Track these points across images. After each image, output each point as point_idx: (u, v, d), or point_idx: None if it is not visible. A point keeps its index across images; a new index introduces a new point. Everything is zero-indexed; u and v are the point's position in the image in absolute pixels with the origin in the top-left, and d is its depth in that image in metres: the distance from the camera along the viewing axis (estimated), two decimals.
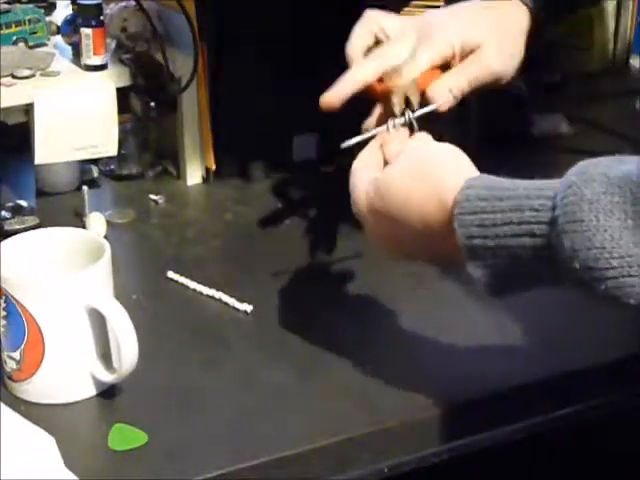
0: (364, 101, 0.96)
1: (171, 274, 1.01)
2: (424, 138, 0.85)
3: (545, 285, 0.72)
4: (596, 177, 0.68)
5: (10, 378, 0.85)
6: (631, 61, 1.54)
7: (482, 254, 0.72)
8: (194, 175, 1.21)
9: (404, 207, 0.77)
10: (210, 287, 0.98)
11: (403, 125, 0.88)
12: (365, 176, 0.82)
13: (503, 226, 0.70)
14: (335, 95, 0.90)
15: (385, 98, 0.91)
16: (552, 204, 0.68)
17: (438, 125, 1.13)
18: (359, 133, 0.95)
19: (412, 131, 0.88)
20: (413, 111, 0.89)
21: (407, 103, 0.89)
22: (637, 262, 0.64)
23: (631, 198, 0.65)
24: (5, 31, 1.13)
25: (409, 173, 0.78)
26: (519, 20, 0.94)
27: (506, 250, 0.70)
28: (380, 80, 0.91)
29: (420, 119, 0.89)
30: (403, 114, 0.89)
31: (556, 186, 0.69)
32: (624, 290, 0.65)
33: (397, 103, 0.89)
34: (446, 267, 0.85)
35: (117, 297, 0.84)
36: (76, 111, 1.13)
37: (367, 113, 0.94)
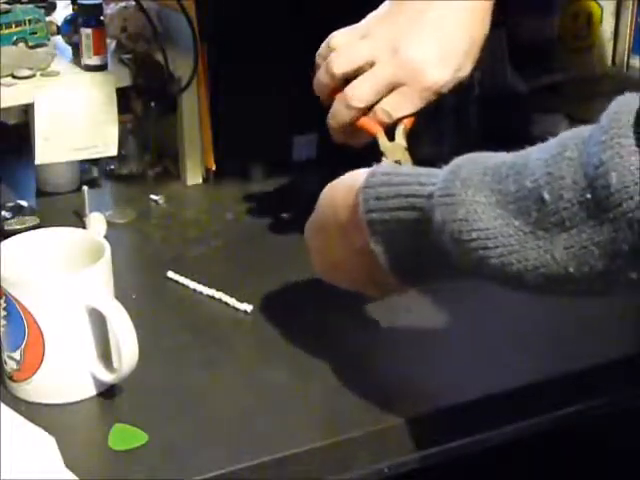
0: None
1: (171, 274, 1.01)
2: None
3: (439, 271, 0.76)
4: (476, 159, 0.71)
5: (10, 378, 0.85)
6: (631, 61, 1.54)
7: (379, 228, 0.76)
8: (194, 175, 1.21)
9: (324, 214, 0.85)
10: (210, 287, 0.98)
11: None
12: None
13: (394, 198, 0.75)
14: (337, 136, 0.96)
15: (367, 129, 0.94)
16: (434, 180, 0.73)
17: (438, 125, 1.14)
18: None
19: None
20: None
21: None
22: (493, 234, 0.67)
23: (499, 179, 0.68)
24: (5, 31, 1.13)
25: (330, 186, 0.85)
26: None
27: (397, 224, 0.75)
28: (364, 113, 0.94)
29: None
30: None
31: (443, 167, 0.73)
32: (481, 261, 0.68)
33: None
34: (374, 287, 0.86)
35: (117, 297, 0.84)
36: (76, 111, 1.13)
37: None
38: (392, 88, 0.92)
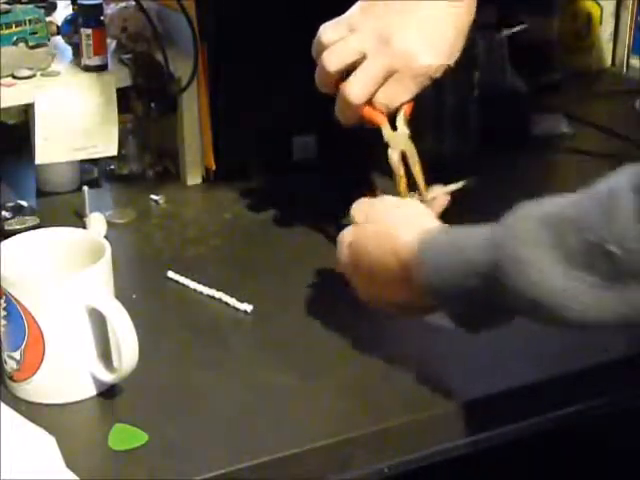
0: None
1: (171, 274, 1.02)
2: (386, 202, 0.91)
3: (506, 315, 0.79)
4: (526, 216, 0.74)
5: (10, 378, 0.85)
6: (631, 61, 1.54)
7: (442, 296, 0.80)
8: (194, 175, 1.21)
9: (371, 262, 0.86)
10: (210, 287, 0.98)
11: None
12: (344, 241, 0.90)
13: (455, 271, 0.78)
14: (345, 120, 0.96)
15: (371, 120, 0.95)
16: (492, 243, 0.75)
17: (439, 125, 1.14)
18: (358, 133, 0.95)
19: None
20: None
21: (403, 157, 0.95)
22: (573, 295, 0.70)
23: (558, 235, 0.71)
24: (5, 31, 1.13)
25: (370, 234, 0.87)
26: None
27: (459, 288, 0.78)
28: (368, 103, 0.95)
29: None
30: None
31: (494, 227, 0.76)
32: (563, 318, 0.72)
33: (396, 160, 0.95)
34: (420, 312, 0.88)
35: (117, 297, 0.84)
36: (76, 111, 1.13)
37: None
38: (387, 77, 0.93)
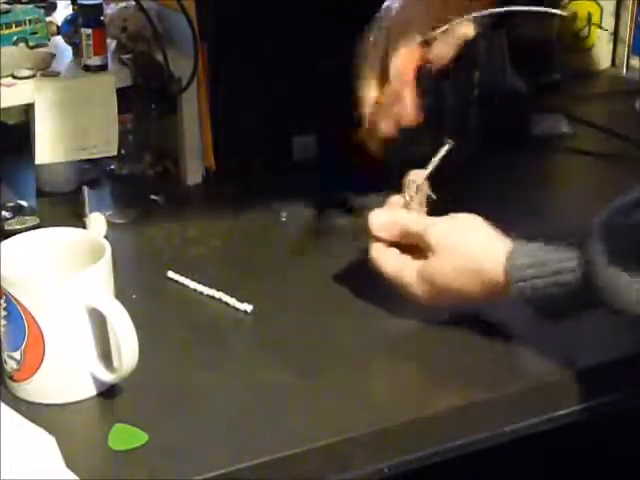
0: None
1: (171, 274, 1.01)
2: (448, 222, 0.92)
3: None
4: (614, 228, 0.80)
5: (10, 378, 0.85)
6: (631, 61, 1.54)
7: (539, 310, 0.85)
8: (194, 175, 1.21)
9: (454, 288, 0.88)
10: (210, 287, 0.98)
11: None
12: (396, 262, 0.92)
13: (552, 287, 0.83)
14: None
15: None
16: (582, 263, 0.80)
17: (438, 127, 1.14)
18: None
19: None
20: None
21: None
22: None
23: (628, 248, 0.78)
24: (5, 31, 1.13)
25: (452, 266, 0.88)
26: None
27: (559, 307, 0.84)
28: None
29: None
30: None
31: (577, 242, 0.81)
32: None
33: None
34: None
35: (117, 297, 0.84)
36: (76, 111, 1.13)
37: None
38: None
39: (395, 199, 0.95)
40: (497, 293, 0.86)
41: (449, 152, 0.95)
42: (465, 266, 0.87)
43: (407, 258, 0.92)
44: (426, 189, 0.95)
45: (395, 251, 0.93)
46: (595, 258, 0.79)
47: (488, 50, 1.27)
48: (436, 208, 0.94)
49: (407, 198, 0.94)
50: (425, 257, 0.90)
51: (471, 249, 0.88)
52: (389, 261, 0.92)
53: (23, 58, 1.12)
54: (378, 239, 0.93)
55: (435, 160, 0.95)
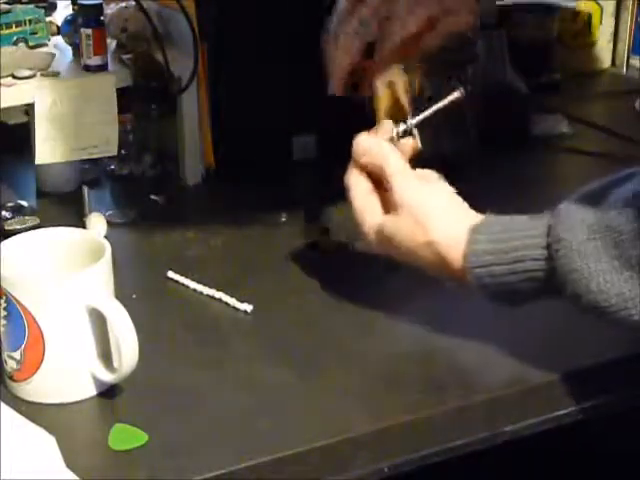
0: (363, 102, 0.97)
1: (171, 274, 1.02)
2: (422, 186, 0.90)
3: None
4: (576, 224, 0.77)
5: (10, 378, 0.85)
6: (631, 61, 1.54)
7: (494, 291, 0.83)
8: (194, 175, 1.21)
9: (411, 255, 0.87)
10: (210, 287, 0.98)
11: (404, 134, 0.92)
12: (364, 199, 0.91)
13: (510, 275, 0.81)
14: (338, 87, 0.97)
15: (370, 73, 0.95)
16: (547, 253, 0.79)
17: (439, 127, 1.14)
18: (357, 133, 0.95)
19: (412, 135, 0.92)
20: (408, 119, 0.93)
21: (390, 85, 0.94)
22: (630, 297, 0.75)
23: (611, 242, 0.75)
24: (5, 31, 1.13)
25: (411, 228, 0.87)
26: None
27: (514, 292, 0.82)
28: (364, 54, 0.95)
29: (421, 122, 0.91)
30: (404, 122, 0.92)
31: (546, 230, 0.79)
32: (624, 320, 0.77)
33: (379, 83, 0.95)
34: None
35: (117, 297, 0.84)
36: (76, 111, 1.13)
37: (364, 114, 0.96)
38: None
39: (387, 126, 0.93)
40: (453, 273, 0.84)
41: (456, 102, 0.93)
42: (424, 237, 0.86)
43: (375, 202, 0.90)
44: (416, 135, 0.92)
45: (368, 187, 0.91)
46: (562, 242, 0.77)
47: (488, 50, 1.27)
48: None
49: (394, 134, 0.92)
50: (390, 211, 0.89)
51: (436, 220, 0.86)
52: (359, 195, 0.91)
53: (23, 58, 1.12)
54: (359, 164, 0.91)
55: (437, 106, 0.93)
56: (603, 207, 0.77)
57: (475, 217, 0.86)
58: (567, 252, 0.77)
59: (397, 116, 0.94)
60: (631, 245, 0.74)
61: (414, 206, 0.87)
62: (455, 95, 0.93)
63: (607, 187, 0.78)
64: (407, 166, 0.90)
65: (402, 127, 0.92)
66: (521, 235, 0.81)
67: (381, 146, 0.90)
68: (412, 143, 0.92)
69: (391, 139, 0.92)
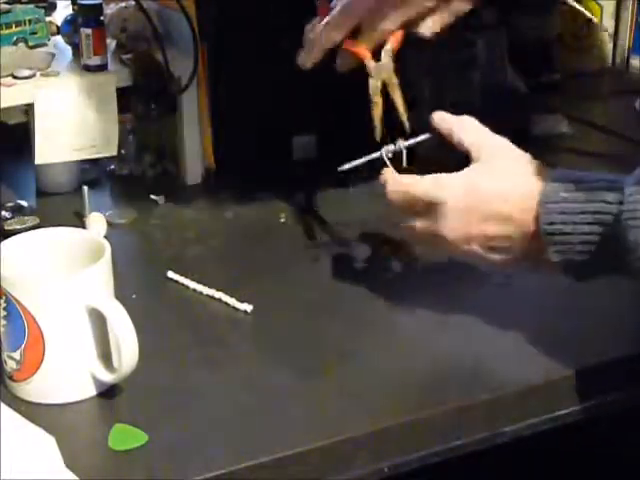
0: (362, 102, 0.97)
1: (171, 274, 1.02)
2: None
3: (615, 272, 0.80)
4: None
5: (10, 378, 0.85)
6: (631, 61, 1.54)
7: (560, 239, 0.81)
8: (194, 175, 1.21)
9: (493, 198, 0.85)
10: (210, 287, 0.98)
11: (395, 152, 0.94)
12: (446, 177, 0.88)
13: (580, 214, 0.79)
14: (309, 59, 0.97)
15: (354, 52, 0.96)
16: (620, 198, 0.77)
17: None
18: (357, 133, 0.95)
19: (401, 159, 0.94)
20: (405, 139, 0.94)
21: (384, 86, 0.95)
22: None
23: None
24: (5, 31, 1.13)
25: (497, 170, 0.86)
26: None
27: (580, 236, 0.80)
28: (351, 37, 0.95)
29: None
30: (394, 142, 0.94)
31: (627, 180, 0.78)
32: None
33: (374, 88, 0.95)
34: (523, 263, 0.87)
35: (117, 297, 0.84)
36: (76, 111, 1.13)
37: (364, 114, 0.96)
38: (379, 2, 0.94)
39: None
40: (528, 225, 0.82)
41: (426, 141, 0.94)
42: (512, 185, 0.84)
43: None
44: (404, 158, 0.94)
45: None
46: (638, 189, 0.77)
47: (488, 50, 1.27)
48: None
49: (384, 154, 0.94)
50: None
51: (511, 168, 0.86)
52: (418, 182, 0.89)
53: (23, 58, 1.12)
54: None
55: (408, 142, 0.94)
56: None
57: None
58: (638, 199, 0.76)
59: (392, 120, 0.95)
60: None
61: (497, 151, 0.88)
62: (425, 136, 0.94)
63: None
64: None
65: (392, 147, 0.94)
66: (601, 177, 0.81)
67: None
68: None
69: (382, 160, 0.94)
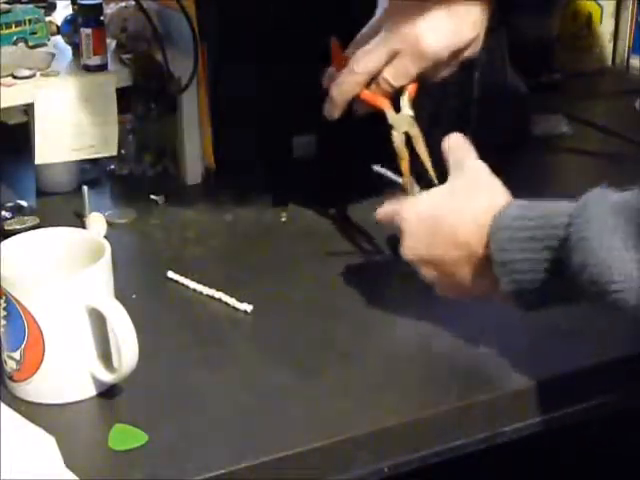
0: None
1: (171, 274, 1.02)
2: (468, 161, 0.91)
3: (565, 302, 0.81)
4: (603, 201, 0.76)
5: (10, 378, 0.85)
6: (631, 61, 1.54)
7: (511, 268, 0.80)
8: (194, 175, 1.21)
9: (447, 224, 0.85)
10: (210, 287, 0.98)
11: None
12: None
13: (530, 241, 0.79)
14: (334, 112, 0.99)
15: (373, 103, 0.98)
16: (568, 222, 0.77)
17: (438, 125, 1.14)
18: (357, 133, 0.95)
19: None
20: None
21: (407, 139, 0.97)
22: (632, 278, 0.73)
23: (631, 221, 0.73)
24: (5, 31, 1.13)
25: (457, 194, 0.87)
26: None
27: (530, 263, 0.80)
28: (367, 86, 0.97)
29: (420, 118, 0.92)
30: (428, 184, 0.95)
31: (574, 204, 0.78)
32: (621, 302, 0.74)
33: (399, 142, 0.97)
34: (475, 292, 0.87)
35: (117, 297, 0.84)
36: (76, 111, 1.13)
37: (364, 114, 0.96)
38: (392, 57, 0.95)
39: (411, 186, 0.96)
40: (479, 239, 0.83)
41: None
42: (462, 214, 0.85)
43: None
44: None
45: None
46: (585, 211, 0.76)
47: (488, 50, 1.27)
48: None
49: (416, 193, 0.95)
50: None
51: (474, 210, 0.85)
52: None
53: (23, 58, 1.12)
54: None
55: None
56: (634, 192, 0.76)
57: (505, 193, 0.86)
58: (584, 220, 0.75)
59: (417, 169, 0.97)
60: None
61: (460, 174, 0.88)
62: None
63: None
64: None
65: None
66: (551, 206, 0.81)
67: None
68: None
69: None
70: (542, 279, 0.80)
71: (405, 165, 0.96)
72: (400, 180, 0.96)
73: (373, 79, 0.97)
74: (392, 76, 0.96)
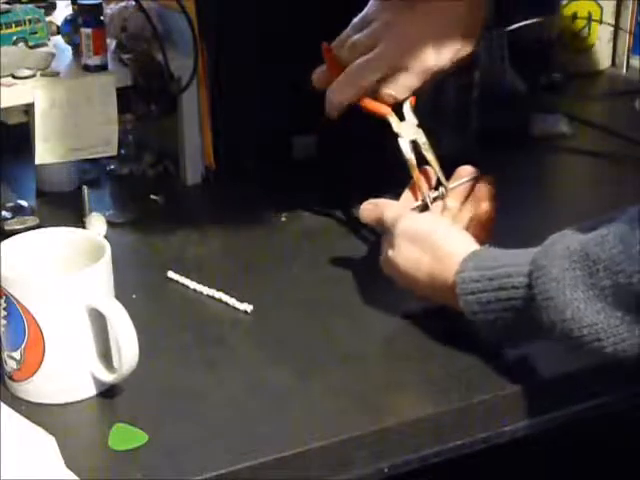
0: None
1: (171, 274, 1.02)
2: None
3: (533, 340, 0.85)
4: (559, 253, 0.78)
5: (10, 378, 0.85)
6: (631, 61, 1.54)
7: (484, 324, 0.85)
8: (194, 175, 1.21)
9: (414, 270, 0.90)
10: (210, 287, 0.98)
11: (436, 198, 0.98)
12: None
13: (497, 302, 0.83)
14: (333, 113, 1.00)
15: (376, 112, 0.98)
16: (528, 281, 0.80)
17: (439, 126, 1.14)
18: (357, 134, 0.95)
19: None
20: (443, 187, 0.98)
21: (414, 146, 0.98)
22: (602, 328, 0.75)
23: (588, 272, 0.75)
24: (5, 31, 1.13)
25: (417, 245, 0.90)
26: None
27: (499, 320, 0.83)
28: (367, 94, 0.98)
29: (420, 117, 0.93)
30: (437, 188, 0.98)
31: (531, 259, 0.80)
32: (598, 351, 0.77)
33: (407, 150, 0.98)
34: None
35: (117, 297, 0.84)
36: (76, 111, 1.13)
37: (364, 114, 0.96)
38: (393, 71, 0.96)
39: (424, 191, 0.98)
40: (450, 299, 0.86)
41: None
42: (428, 253, 0.89)
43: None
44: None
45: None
46: (542, 269, 0.78)
47: (488, 50, 1.27)
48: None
49: (429, 199, 0.97)
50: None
51: (443, 237, 0.89)
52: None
53: (23, 58, 1.12)
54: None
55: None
56: (588, 237, 0.77)
57: (471, 245, 0.88)
58: (545, 280, 0.78)
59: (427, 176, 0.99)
60: (605, 275, 0.74)
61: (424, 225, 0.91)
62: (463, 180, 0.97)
63: (602, 220, 0.79)
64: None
65: (435, 193, 0.97)
66: (507, 263, 0.82)
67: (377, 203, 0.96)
68: (442, 204, 0.98)
69: (425, 204, 0.97)
70: (513, 331, 0.84)
71: (416, 172, 0.97)
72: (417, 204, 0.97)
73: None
74: (396, 91, 0.97)
